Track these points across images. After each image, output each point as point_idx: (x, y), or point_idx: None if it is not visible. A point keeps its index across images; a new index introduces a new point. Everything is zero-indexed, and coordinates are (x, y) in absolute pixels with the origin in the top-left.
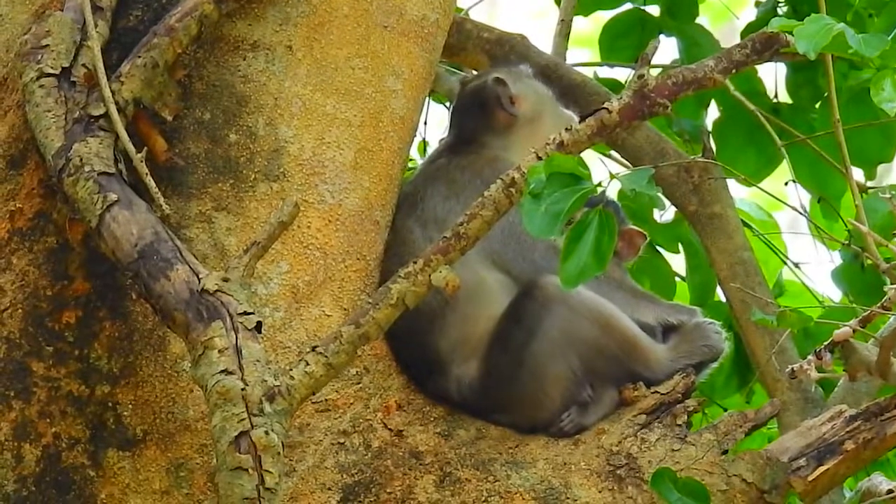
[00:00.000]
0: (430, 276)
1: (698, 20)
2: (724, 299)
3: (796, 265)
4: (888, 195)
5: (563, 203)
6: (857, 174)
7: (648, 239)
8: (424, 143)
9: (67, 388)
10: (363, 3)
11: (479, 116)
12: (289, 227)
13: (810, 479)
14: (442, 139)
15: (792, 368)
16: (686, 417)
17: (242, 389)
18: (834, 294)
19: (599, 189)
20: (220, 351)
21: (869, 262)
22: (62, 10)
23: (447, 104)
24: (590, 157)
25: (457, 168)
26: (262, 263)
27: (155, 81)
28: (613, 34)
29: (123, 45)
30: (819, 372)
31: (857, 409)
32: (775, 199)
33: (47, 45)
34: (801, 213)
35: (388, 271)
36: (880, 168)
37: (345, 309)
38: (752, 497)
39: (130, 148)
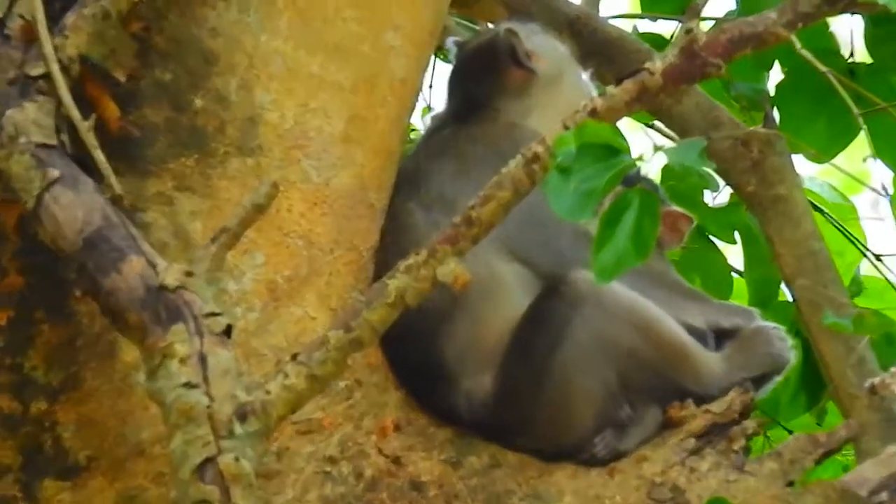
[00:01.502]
0: (435, 269)
1: None
2: (789, 299)
3: (877, 258)
4: None
5: (597, 180)
6: None
7: (696, 224)
8: (429, 110)
9: None
10: None
11: (488, 77)
12: (266, 211)
13: None
14: (434, 115)
15: (872, 383)
16: (744, 442)
17: (208, 406)
18: None
19: (640, 163)
20: (181, 360)
21: None
22: None
23: None
24: (629, 127)
25: (467, 139)
26: (233, 254)
27: (106, 35)
28: None
29: None
30: None
31: None
32: (852, 179)
33: None
34: (882, 195)
35: (384, 264)
36: None
37: (332, 309)
38: None
39: (76, 115)
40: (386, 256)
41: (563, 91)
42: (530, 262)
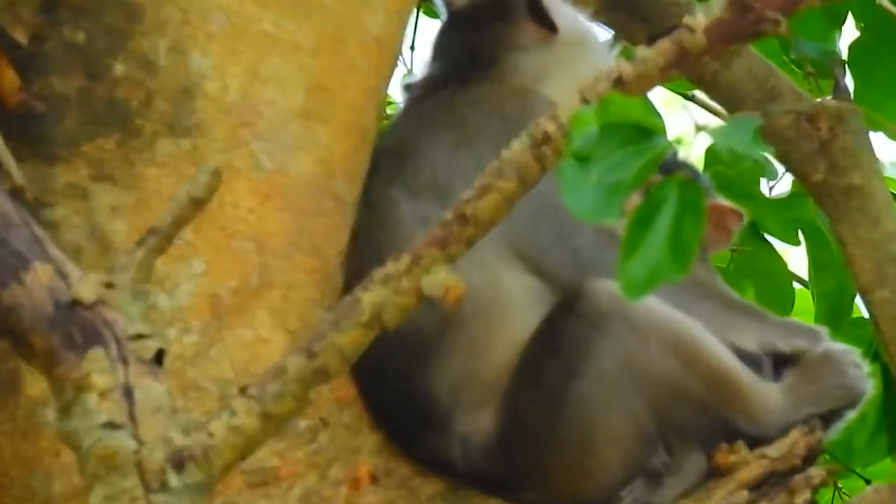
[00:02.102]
0: (420, 280)
1: None
2: (866, 315)
3: None
4: None
5: (624, 170)
6: None
7: (748, 221)
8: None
9: None
10: None
11: (497, 30)
12: (205, 206)
13: None
14: (416, 80)
15: None
16: (809, 494)
17: (135, 452)
18: None
19: (679, 147)
20: (101, 394)
21: None
22: None
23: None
24: (664, 100)
25: (466, 104)
26: (164, 261)
27: None
28: None
29: None
30: None
31: None
32: None
33: None
34: None
35: (357, 272)
36: None
37: (291, 330)
38: None
39: None
40: (359, 263)
41: (585, 59)
42: (541, 267)
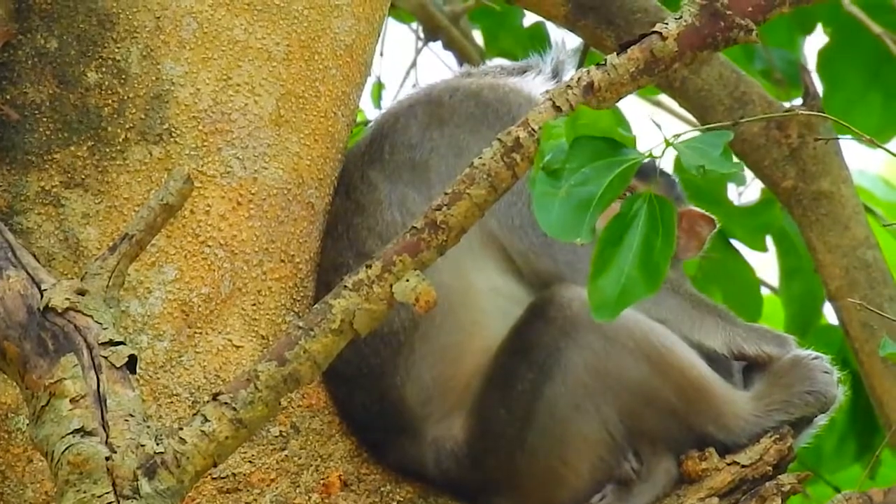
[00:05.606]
0: (391, 286)
1: None
2: (836, 322)
3: None
4: None
5: (596, 184)
6: None
7: (719, 227)
8: (380, 87)
9: None
10: None
11: None
12: (177, 213)
13: None
14: None
15: None
16: (780, 501)
17: (108, 458)
18: None
19: (648, 159)
20: (73, 400)
21: None
22: None
23: (414, 26)
24: (633, 107)
25: (445, 88)
26: (136, 268)
27: None
28: None
29: None
30: None
31: None
32: None
33: None
34: None
35: (333, 266)
36: None
37: (262, 337)
38: None
39: None
40: (338, 252)
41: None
42: (525, 274)
